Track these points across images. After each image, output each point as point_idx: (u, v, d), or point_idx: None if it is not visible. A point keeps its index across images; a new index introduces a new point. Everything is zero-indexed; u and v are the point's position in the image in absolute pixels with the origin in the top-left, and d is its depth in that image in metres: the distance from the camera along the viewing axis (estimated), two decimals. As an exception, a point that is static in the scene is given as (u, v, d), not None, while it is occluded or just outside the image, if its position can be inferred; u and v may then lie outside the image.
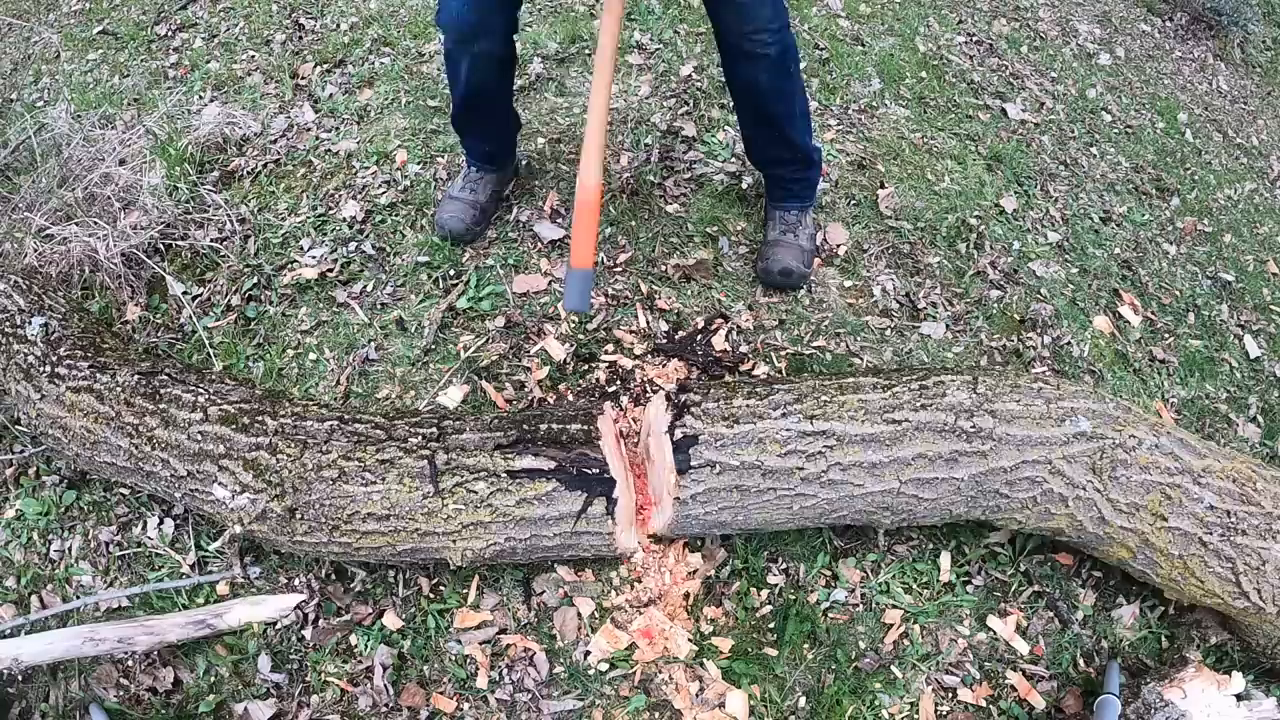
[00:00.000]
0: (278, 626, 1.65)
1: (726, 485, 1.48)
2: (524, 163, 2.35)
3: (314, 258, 2.17)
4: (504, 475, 1.48)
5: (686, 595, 1.68)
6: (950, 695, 1.63)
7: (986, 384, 1.55)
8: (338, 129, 2.53)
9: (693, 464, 1.47)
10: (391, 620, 1.64)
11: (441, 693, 1.59)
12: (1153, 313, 2.37)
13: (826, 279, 2.17)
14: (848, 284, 2.18)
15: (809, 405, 1.52)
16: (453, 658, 1.62)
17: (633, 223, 2.21)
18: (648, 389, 1.91)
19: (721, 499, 1.49)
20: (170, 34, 3.07)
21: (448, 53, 1.85)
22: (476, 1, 1.73)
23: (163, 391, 1.63)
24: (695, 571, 1.70)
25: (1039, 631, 1.72)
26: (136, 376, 1.66)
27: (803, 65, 2.81)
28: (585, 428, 1.54)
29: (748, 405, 1.52)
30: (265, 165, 2.44)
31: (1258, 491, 1.56)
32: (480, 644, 1.62)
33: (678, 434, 1.49)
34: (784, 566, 1.72)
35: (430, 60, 2.73)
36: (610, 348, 1.98)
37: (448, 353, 1.97)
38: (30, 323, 1.80)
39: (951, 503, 1.52)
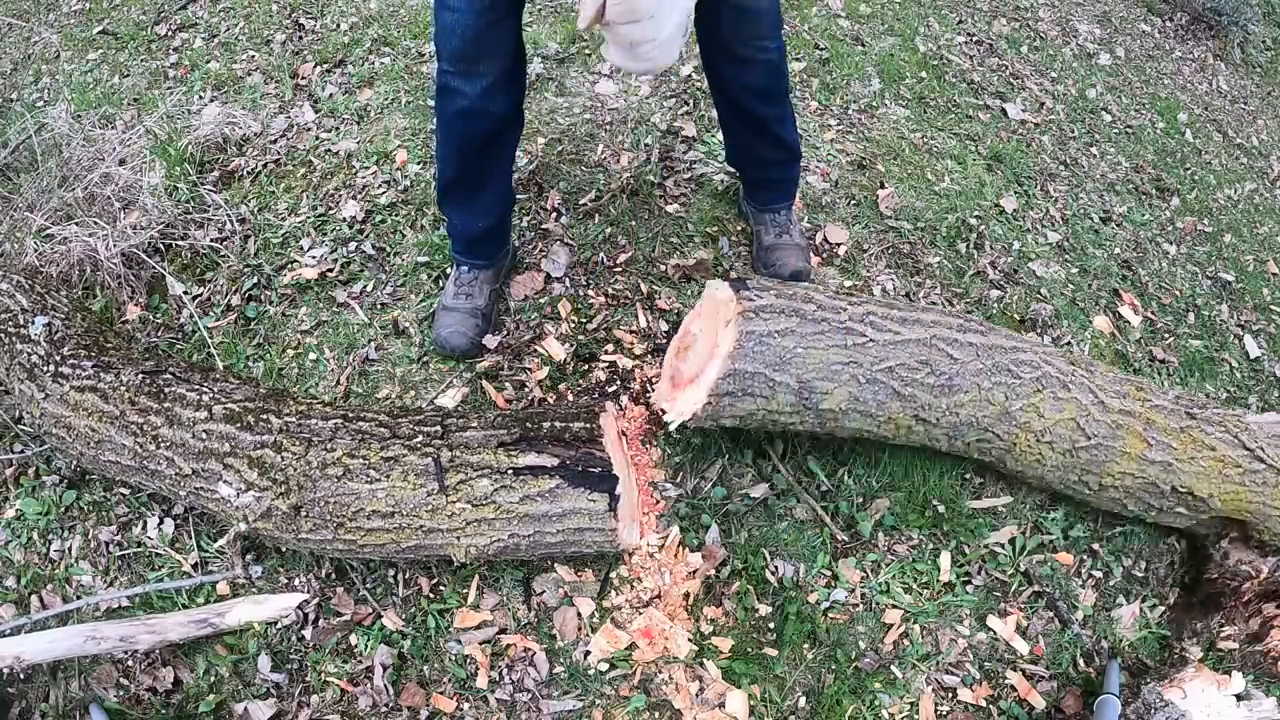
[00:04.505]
0: (278, 626, 1.65)
1: (784, 308, 1.56)
2: (516, 246, 2.12)
3: (314, 258, 2.17)
4: (508, 472, 1.48)
5: (686, 595, 1.68)
6: (950, 695, 1.63)
7: None
8: (338, 129, 2.53)
9: (749, 285, 1.58)
10: (391, 620, 1.64)
11: (441, 693, 1.59)
12: (1153, 313, 2.37)
13: (826, 279, 2.17)
14: (848, 284, 2.18)
15: (839, 291, 1.72)
16: (453, 658, 1.62)
17: (633, 223, 2.22)
18: (648, 388, 1.91)
19: (782, 320, 1.54)
20: (170, 34, 3.07)
21: (446, 90, 1.60)
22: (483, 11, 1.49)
23: (167, 390, 1.63)
24: (695, 571, 1.70)
25: (1039, 631, 1.72)
26: (141, 375, 1.66)
27: (803, 65, 2.82)
28: (588, 425, 1.54)
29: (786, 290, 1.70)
30: (265, 165, 2.44)
31: (1205, 399, 1.84)
32: (480, 644, 1.62)
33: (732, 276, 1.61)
34: (784, 566, 1.72)
35: (430, 60, 2.73)
36: (610, 348, 1.98)
37: (448, 352, 1.97)
38: (33, 322, 1.80)
39: (978, 371, 1.60)
